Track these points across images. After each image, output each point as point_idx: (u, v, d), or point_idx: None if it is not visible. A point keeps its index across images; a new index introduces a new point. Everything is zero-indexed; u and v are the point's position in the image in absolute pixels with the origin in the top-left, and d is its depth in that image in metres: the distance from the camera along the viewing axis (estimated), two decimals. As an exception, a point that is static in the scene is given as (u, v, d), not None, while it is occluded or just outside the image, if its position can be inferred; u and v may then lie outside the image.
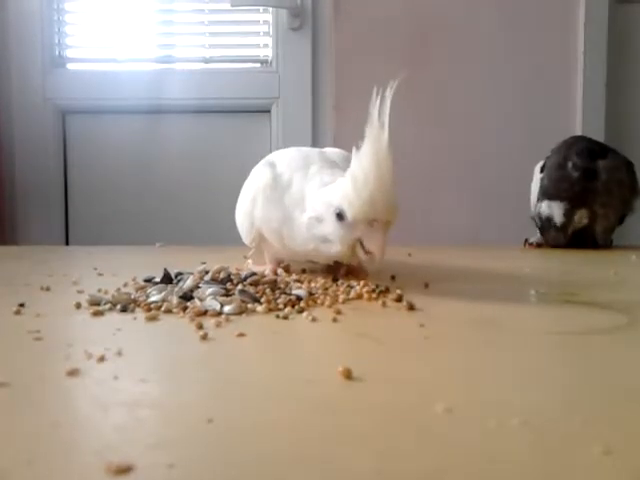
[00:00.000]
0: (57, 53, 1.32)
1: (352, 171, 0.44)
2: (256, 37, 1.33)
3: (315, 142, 1.27)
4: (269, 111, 1.31)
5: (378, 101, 0.43)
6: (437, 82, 1.29)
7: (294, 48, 1.29)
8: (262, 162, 0.56)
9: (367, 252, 0.45)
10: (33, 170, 1.31)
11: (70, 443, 0.19)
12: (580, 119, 1.26)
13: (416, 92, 1.28)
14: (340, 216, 0.45)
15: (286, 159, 0.53)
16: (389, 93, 0.43)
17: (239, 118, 1.32)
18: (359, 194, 0.43)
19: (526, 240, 0.91)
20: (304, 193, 0.49)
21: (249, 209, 0.54)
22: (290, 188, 0.50)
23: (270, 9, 1.30)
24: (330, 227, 0.46)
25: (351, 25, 1.28)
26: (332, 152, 0.55)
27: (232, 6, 1.27)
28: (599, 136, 1.24)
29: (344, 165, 0.50)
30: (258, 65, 1.33)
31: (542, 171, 0.90)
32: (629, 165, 0.87)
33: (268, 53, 1.32)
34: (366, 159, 0.43)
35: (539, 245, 0.89)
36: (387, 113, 0.43)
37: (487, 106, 1.28)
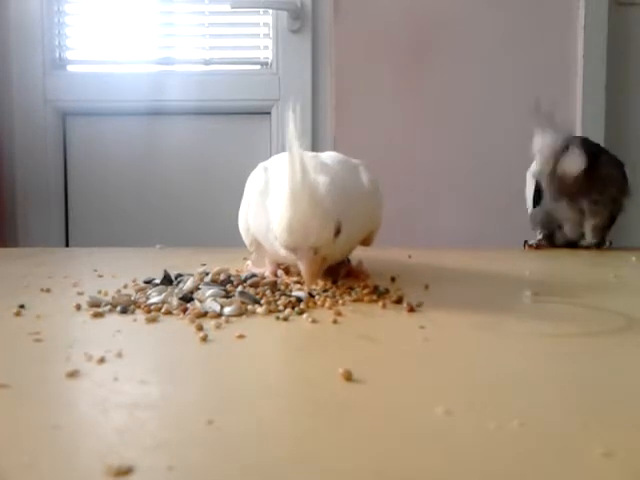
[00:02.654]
0: (57, 55, 1.32)
1: (275, 202, 0.44)
2: (256, 39, 1.34)
3: (315, 143, 1.27)
4: (269, 113, 1.31)
5: (292, 130, 0.41)
6: (437, 84, 1.29)
7: (294, 50, 1.29)
8: (259, 166, 0.56)
9: None
10: (33, 172, 1.31)
11: (70, 445, 0.19)
12: (580, 120, 1.26)
13: (416, 94, 1.28)
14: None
15: (278, 164, 0.53)
16: (295, 125, 0.41)
17: (239, 120, 1.32)
18: (279, 224, 0.42)
19: (525, 242, 0.91)
20: None
21: (245, 214, 0.54)
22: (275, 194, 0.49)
23: (270, 11, 1.30)
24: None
25: (351, 27, 1.29)
26: (327, 156, 0.55)
27: (232, 8, 1.27)
28: (599, 137, 1.24)
29: (337, 168, 0.50)
30: (258, 67, 1.33)
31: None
32: (621, 165, 0.87)
33: (268, 55, 1.32)
34: (283, 190, 0.42)
35: (538, 247, 0.89)
36: (297, 140, 0.41)
37: (488, 108, 1.28)
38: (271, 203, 0.46)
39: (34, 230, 1.31)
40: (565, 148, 0.83)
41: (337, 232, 0.44)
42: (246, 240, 0.56)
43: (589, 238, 0.86)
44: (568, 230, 0.88)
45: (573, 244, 0.88)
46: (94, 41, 1.35)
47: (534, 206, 0.89)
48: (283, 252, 0.45)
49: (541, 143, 0.84)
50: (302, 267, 0.43)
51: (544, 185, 0.87)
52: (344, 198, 0.45)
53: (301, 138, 0.41)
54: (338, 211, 0.43)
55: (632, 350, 0.32)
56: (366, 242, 0.56)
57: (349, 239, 0.50)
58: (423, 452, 0.18)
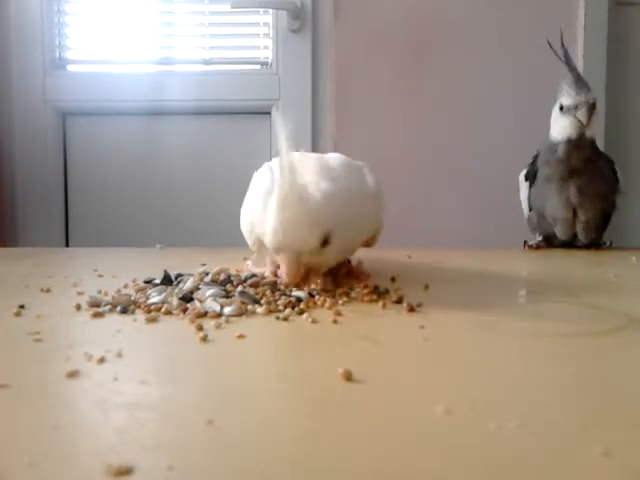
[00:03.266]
0: (57, 55, 1.32)
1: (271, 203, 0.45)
2: (256, 39, 1.34)
3: (315, 143, 1.27)
4: (269, 113, 1.31)
5: (281, 135, 0.42)
6: (437, 84, 1.29)
7: (294, 50, 1.29)
8: (264, 166, 0.56)
9: None
10: (33, 172, 1.31)
11: (70, 445, 0.19)
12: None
13: (416, 94, 1.28)
14: None
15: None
16: (285, 133, 0.42)
17: (239, 120, 1.32)
18: (268, 225, 0.43)
19: (525, 242, 0.91)
20: None
21: (248, 214, 0.54)
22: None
23: (270, 11, 1.30)
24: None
25: (351, 26, 1.29)
26: (332, 157, 0.55)
27: (232, 8, 1.27)
28: (599, 137, 1.24)
29: (341, 170, 0.50)
30: (258, 67, 1.33)
31: (527, 179, 0.91)
32: (610, 162, 0.86)
33: (268, 55, 1.32)
34: (275, 194, 0.43)
35: (538, 247, 0.89)
36: (287, 150, 0.42)
37: (488, 108, 1.28)
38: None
39: (34, 230, 1.31)
40: (592, 106, 0.82)
41: (325, 242, 0.44)
42: (249, 240, 0.56)
43: (581, 237, 0.86)
44: (560, 230, 0.88)
45: (572, 245, 0.88)
46: (94, 41, 1.35)
47: (530, 186, 0.90)
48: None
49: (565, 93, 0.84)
50: (282, 268, 0.44)
51: (541, 161, 0.87)
52: (343, 206, 0.45)
53: (292, 142, 0.42)
54: (331, 221, 0.44)
55: (632, 350, 0.32)
56: (369, 243, 0.56)
57: (350, 243, 0.50)
58: (423, 452, 0.18)
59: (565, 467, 0.17)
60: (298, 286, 0.45)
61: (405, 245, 0.81)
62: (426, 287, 0.49)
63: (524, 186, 0.92)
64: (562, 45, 0.85)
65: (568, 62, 0.86)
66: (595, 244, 0.88)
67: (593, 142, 0.84)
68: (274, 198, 0.43)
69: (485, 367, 0.29)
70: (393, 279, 0.53)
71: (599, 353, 0.31)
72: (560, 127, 0.85)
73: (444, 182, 1.30)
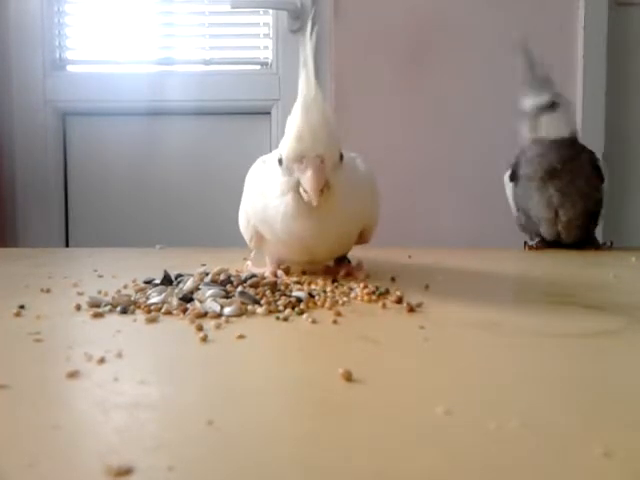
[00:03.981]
0: (57, 55, 1.32)
1: (289, 117, 0.47)
2: (256, 39, 1.34)
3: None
4: (269, 113, 1.31)
5: (307, 47, 0.45)
6: (437, 83, 1.29)
7: (294, 50, 1.29)
8: (258, 160, 0.57)
9: (306, 192, 0.45)
10: (33, 172, 1.31)
11: (70, 445, 0.19)
12: (580, 121, 1.26)
13: (416, 93, 1.28)
14: (280, 162, 0.47)
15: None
16: (311, 38, 0.46)
17: (239, 120, 1.32)
18: (288, 133, 0.45)
19: (526, 242, 0.91)
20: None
21: (244, 207, 0.55)
22: (270, 179, 0.50)
23: (270, 11, 1.30)
24: (276, 181, 0.47)
25: (351, 26, 1.29)
26: None
27: (232, 8, 1.27)
28: (599, 137, 1.24)
29: None
30: (258, 67, 1.33)
31: (511, 180, 0.91)
32: (594, 160, 0.85)
33: (268, 55, 1.32)
34: (296, 102, 0.45)
35: (538, 247, 0.89)
36: (312, 57, 0.46)
37: (488, 108, 1.28)
38: (267, 189, 0.49)
39: (34, 230, 1.31)
40: (551, 105, 0.83)
41: (341, 157, 0.46)
42: (246, 236, 0.56)
43: (563, 237, 0.86)
44: (545, 230, 0.87)
45: (575, 246, 0.88)
46: (94, 41, 1.35)
47: (514, 186, 0.90)
48: (287, 169, 0.46)
49: (527, 101, 0.85)
50: (307, 177, 0.44)
51: (522, 160, 0.87)
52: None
53: (314, 57, 0.45)
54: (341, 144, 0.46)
55: (632, 350, 0.32)
56: (363, 239, 0.56)
57: (344, 231, 0.51)
58: (423, 452, 0.18)
59: (565, 467, 0.17)
60: (319, 203, 0.44)
61: (405, 245, 0.81)
62: (426, 287, 0.49)
63: (509, 186, 0.92)
64: (525, 47, 0.85)
65: (529, 63, 0.86)
66: (585, 243, 0.87)
67: (569, 140, 0.84)
68: (295, 107, 0.45)
69: (485, 367, 0.29)
70: (393, 279, 0.53)
71: (599, 353, 0.31)
72: (530, 127, 0.86)
73: (444, 182, 1.29)
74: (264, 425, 0.21)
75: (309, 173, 0.43)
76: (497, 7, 1.27)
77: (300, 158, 0.44)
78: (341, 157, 0.46)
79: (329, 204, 0.45)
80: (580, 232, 0.86)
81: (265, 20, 1.32)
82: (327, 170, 0.44)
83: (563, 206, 0.83)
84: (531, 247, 0.89)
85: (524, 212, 0.90)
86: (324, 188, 0.44)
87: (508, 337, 0.34)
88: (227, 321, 0.37)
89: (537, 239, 0.90)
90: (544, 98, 0.84)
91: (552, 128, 0.83)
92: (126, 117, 1.32)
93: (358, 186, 0.51)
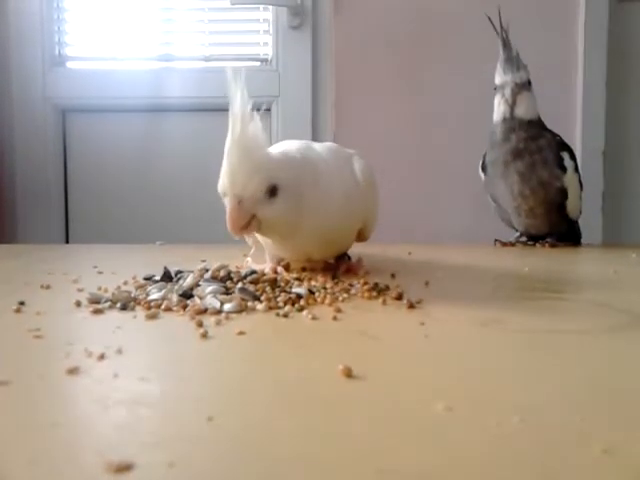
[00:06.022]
0: (57, 51, 1.32)
1: None
2: (256, 35, 1.33)
3: (315, 140, 1.27)
4: (269, 109, 1.31)
5: (235, 87, 0.45)
6: (437, 82, 1.28)
7: (294, 46, 1.29)
8: None
9: None
10: (33, 169, 1.31)
11: (70, 442, 0.19)
12: (580, 119, 1.26)
13: (416, 92, 1.28)
14: None
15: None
16: (241, 81, 0.46)
17: (239, 116, 1.32)
18: (221, 171, 0.46)
19: (496, 240, 0.90)
20: None
21: None
22: None
23: (270, 7, 1.30)
24: None
25: (351, 23, 1.28)
26: (320, 145, 0.55)
27: (232, 4, 1.27)
28: (599, 136, 1.24)
29: (328, 156, 0.52)
30: (258, 64, 1.33)
31: (483, 170, 0.91)
32: (558, 148, 0.84)
33: (268, 51, 1.32)
34: (226, 142, 0.45)
35: (505, 244, 0.89)
36: (241, 97, 0.45)
37: (487, 106, 1.28)
38: None
39: (34, 227, 1.31)
40: (524, 85, 0.83)
41: (272, 193, 0.46)
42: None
43: (529, 228, 0.86)
44: (514, 220, 0.87)
45: (577, 242, 0.88)
46: (94, 37, 1.34)
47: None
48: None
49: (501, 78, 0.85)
50: (226, 215, 0.45)
51: (489, 143, 0.87)
52: (301, 167, 0.48)
53: (247, 95, 0.45)
54: (280, 176, 0.45)
55: (633, 346, 0.32)
56: (362, 237, 0.56)
57: (340, 232, 0.51)
58: (423, 449, 0.18)
59: (565, 464, 0.17)
60: (241, 232, 0.46)
61: (406, 242, 0.81)
62: (426, 284, 0.49)
63: (482, 177, 0.92)
64: (500, 25, 0.85)
65: (504, 41, 0.87)
66: (565, 237, 0.86)
67: (530, 122, 0.83)
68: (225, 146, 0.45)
69: (485, 364, 0.28)
70: (393, 275, 0.53)
71: (600, 350, 0.31)
72: (496, 107, 0.86)
73: (444, 180, 1.29)
74: (264, 421, 0.21)
75: (227, 212, 0.45)
76: (497, 5, 1.26)
77: (224, 195, 0.46)
78: (274, 190, 0.46)
79: (265, 230, 0.48)
80: (547, 223, 0.85)
81: (265, 16, 1.31)
82: (248, 207, 0.45)
83: (523, 193, 0.83)
84: (504, 244, 0.89)
85: (495, 202, 0.90)
86: (252, 220, 0.46)
87: (508, 333, 0.34)
88: (227, 317, 0.37)
89: (516, 235, 0.90)
90: (523, 75, 0.84)
91: (526, 107, 0.83)
92: (126, 114, 1.31)
93: (351, 191, 0.51)
